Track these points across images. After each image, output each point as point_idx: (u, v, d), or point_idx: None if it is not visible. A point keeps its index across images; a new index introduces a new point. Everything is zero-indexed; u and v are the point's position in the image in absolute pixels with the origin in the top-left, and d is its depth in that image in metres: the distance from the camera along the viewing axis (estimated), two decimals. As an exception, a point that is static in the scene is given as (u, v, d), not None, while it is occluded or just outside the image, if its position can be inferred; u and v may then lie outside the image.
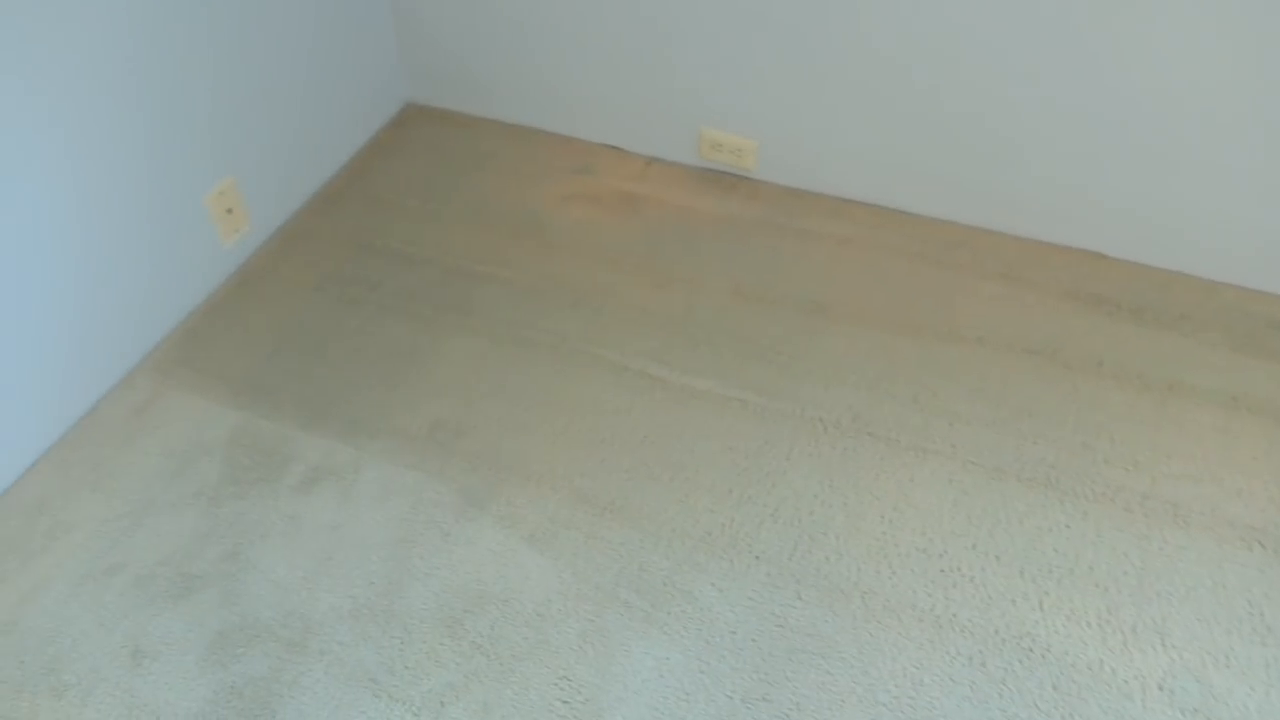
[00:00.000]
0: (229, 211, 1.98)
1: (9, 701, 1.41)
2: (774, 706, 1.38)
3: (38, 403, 1.68)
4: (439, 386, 1.81)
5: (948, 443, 1.70)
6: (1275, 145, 1.75)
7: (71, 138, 1.60)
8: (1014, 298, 1.95)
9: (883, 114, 2.00)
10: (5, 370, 1.60)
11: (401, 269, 2.05)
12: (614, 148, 2.33)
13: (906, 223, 2.12)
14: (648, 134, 2.27)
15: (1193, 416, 1.72)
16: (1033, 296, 1.95)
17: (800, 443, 1.70)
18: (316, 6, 2.07)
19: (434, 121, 2.46)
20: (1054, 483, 1.63)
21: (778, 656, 1.43)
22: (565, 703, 1.39)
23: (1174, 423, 1.71)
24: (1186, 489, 1.62)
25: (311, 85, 2.13)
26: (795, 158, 2.15)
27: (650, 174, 2.27)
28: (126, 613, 1.50)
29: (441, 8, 2.26)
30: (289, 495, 1.65)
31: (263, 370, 1.85)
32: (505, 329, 1.91)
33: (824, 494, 1.63)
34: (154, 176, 1.78)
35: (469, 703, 1.39)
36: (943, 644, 1.44)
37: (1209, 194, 1.85)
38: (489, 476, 1.66)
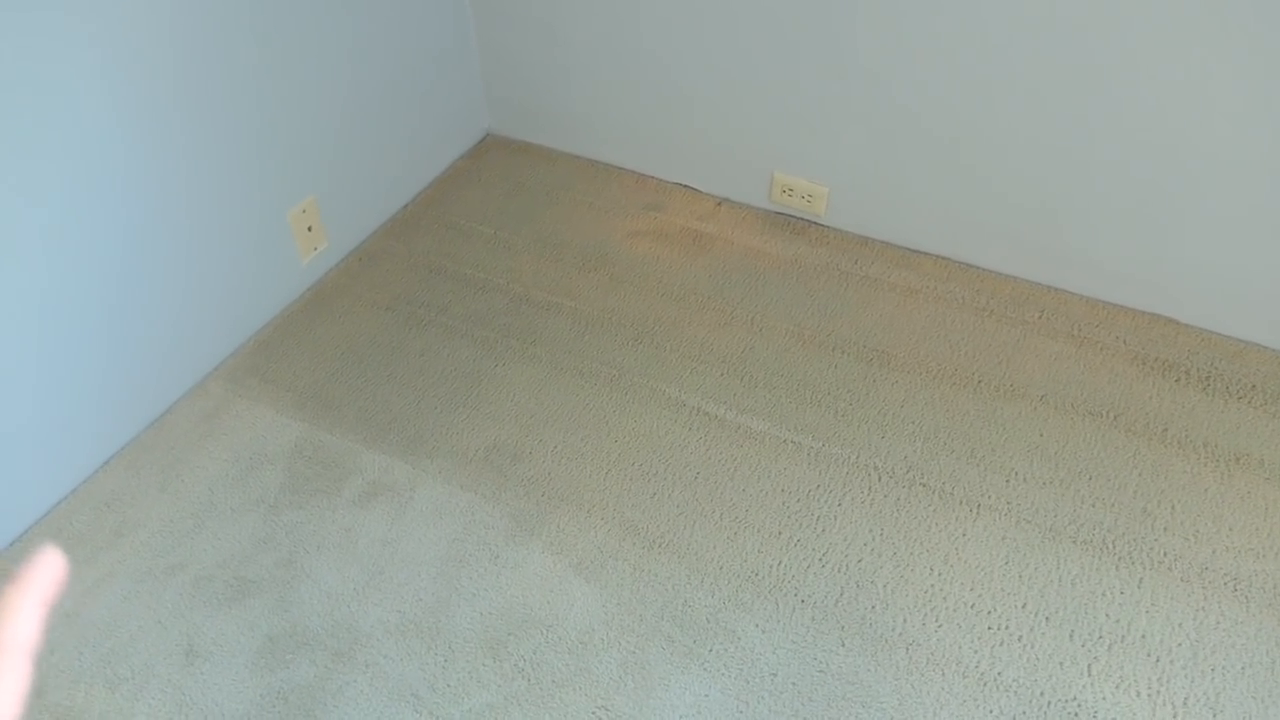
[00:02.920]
0: (309, 229, 2.05)
1: (66, 690, 1.46)
2: (810, 753, 1.37)
3: (115, 404, 1.75)
4: (499, 411, 1.84)
5: (1003, 499, 1.68)
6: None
7: (161, 150, 1.68)
8: (1079, 358, 1.92)
9: (953, 166, 2.01)
10: (84, 373, 1.67)
11: (470, 294, 2.09)
12: (686, 187, 2.36)
13: (973, 276, 2.11)
14: (720, 175, 2.30)
15: (1258, 490, 1.68)
16: (1098, 358, 1.92)
17: (853, 489, 1.70)
18: (405, 36, 2.15)
19: (512, 152, 2.52)
20: (1110, 547, 1.61)
21: (817, 702, 1.42)
22: (602, 732, 1.39)
23: (1238, 495, 1.68)
24: (1248, 563, 1.58)
25: (396, 112, 2.20)
26: (865, 205, 2.16)
27: (720, 214, 2.30)
28: (183, 612, 1.55)
29: (524, 42, 2.32)
30: (346, 508, 1.69)
31: (329, 385, 1.90)
32: (567, 358, 1.94)
33: (874, 542, 1.62)
34: (244, 191, 1.86)
35: (507, 725, 1.40)
36: (985, 702, 1.42)
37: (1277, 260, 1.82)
38: (541, 503, 1.68)
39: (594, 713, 1.41)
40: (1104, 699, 1.42)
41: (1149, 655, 1.47)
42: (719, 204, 2.32)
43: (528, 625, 1.52)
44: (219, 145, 1.78)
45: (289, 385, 1.90)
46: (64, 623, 1.54)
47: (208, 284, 1.86)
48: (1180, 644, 1.48)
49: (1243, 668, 1.45)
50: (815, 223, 2.25)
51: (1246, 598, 1.53)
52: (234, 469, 1.75)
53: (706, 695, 1.43)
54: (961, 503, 1.68)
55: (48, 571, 0.38)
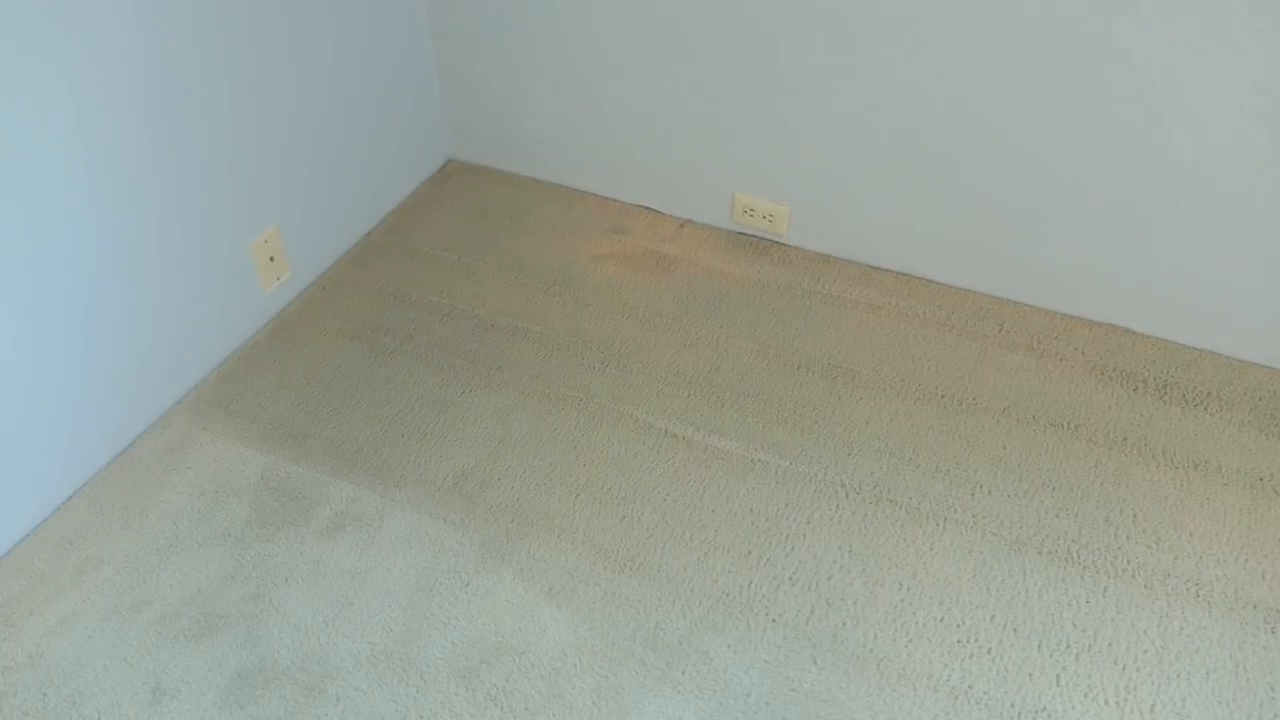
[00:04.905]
0: (271, 259, 2.04)
1: (31, 732, 1.43)
2: (785, 772, 1.38)
3: (76, 439, 1.73)
4: (466, 438, 1.84)
5: (969, 513, 1.70)
6: (1303, 228, 1.76)
7: (123, 184, 1.67)
8: (1039, 370, 1.95)
9: (913, 184, 2.04)
10: (45, 407, 1.65)
11: (435, 321, 2.09)
12: (649, 209, 2.38)
13: (934, 292, 2.14)
14: (682, 197, 2.32)
15: (1217, 496, 1.71)
16: (1058, 370, 1.95)
17: (821, 507, 1.71)
18: (365, 64, 2.15)
19: (474, 178, 2.52)
20: (1075, 557, 1.63)
21: (791, 721, 1.43)
22: (577, 759, 1.39)
23: (1198, 502, 1.71)
24: (1209, 569, 1.61)
25: (357, 140, 2.20)
26: (827, 224, 2.19)
27: (683, 236, 2.31)
28: (149, 650, 1.53)
29: (484, 68, 2.33)
30: (314, 539, 1.67)
31: (294, 415, 1.89)
32: (534, 384, 1.95)
33: (843, 559, 1.63)
34: (205, 224, 1.85)
35: (481, 754, 1.39)
36: (958, 715, 1.43)
37: (1238, 272, 1.86)
38: (511, 529, 1.68)
39: (568, 739, 1.41)
40: (1073, 708, 1.44)
41: (1116, 663, 1.49)
42: (681, 225, 2.34)
43: (500, 653, 1.51)
44: (180, 179, 1.77)
45: (254, 417, 1.89)
46: (27, 664, 1.51)
47: (170, 317, 1.84)
48: (1146, 651, 1.50)
49: (1207, 672, 1.47)
50: (777, 242, 2.27)
51: (1208, 603, 1.56)
52: (199, 503, 1.74)
53: (680, 718, 1.43)
54: (928, 517, 1.69)
55: None
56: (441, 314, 2.11)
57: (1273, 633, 1.52)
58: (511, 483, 1.76)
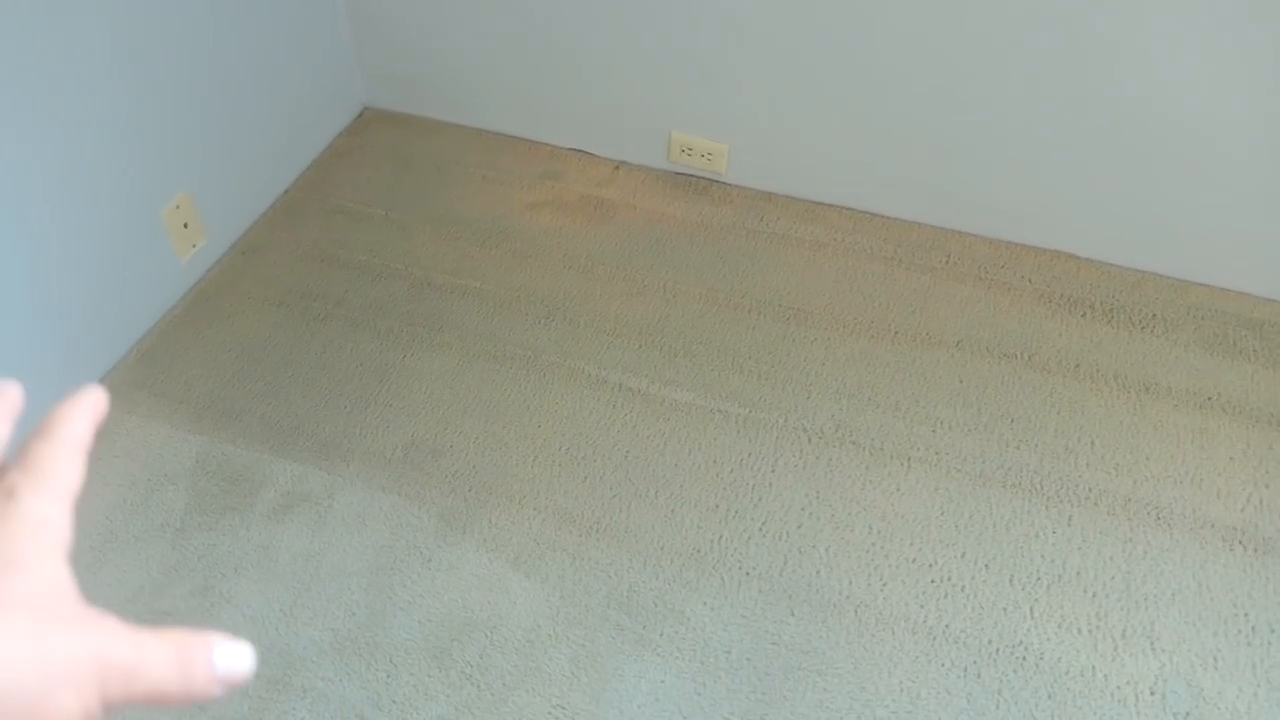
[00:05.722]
0: (185, 226, 1.90)
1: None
2: (772, 727, 1.36)
3: (-11, 434, 1.60)
4: (412, 405, 1.76)
5: (931, 450, 1.69)
6: (1239, 146, 1.77)
7: (17, 153, 1.52)
8: (989, 300, 1.95)
9: (855, 117, 1.99)
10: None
11: (367, 282, 1.99)
12: (582, 152, 2.29)
13: (879, 225, 2.11)
14: (616, 138, 2.23)
15: (1170, 418, 1.74)
16: (1007, 299, 1.95)
17: (785, 454, 1.68)
18: (265, 9, 2.00)
19: (394, 126, 2.39)
20: (1038, 488, 1.64)
21: (774, 675, 1.41)
22: (561, 733, 1.36)
23: (1151, 425, 1.73)
24: (1167, 491, 1.63)
25: (264, 92, 2.05)
26: (767, 161, 2.13)
27: (619, 178, 2.23)
28: (94, 654, 1.43)
29: (399, 6, 2.19)
30: (261, 524, 1.59)
31: (226, 392, 1.78)
32: (478, 343, 1.87)
33: (811, 506, 1.61)
34: (109, 193, 1.71)
35: (461, 736, 1.35)
36: (937, 656, 1.43)
37: (1175, 193, 1.87)
38: (469, 498, 1.62)
39: (550, 713, 1.37)
40: (1048, 639, 1.45)
41: (1085, 592, 1.51)
42: (617, 168, 2.26)
43: (470, 629, 1.46)
44: (77, 146, 1.62)
45: (181, 397, 1.77)
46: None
47: (77, 296, 1.71)
48: (1113, 577, 1.52)
49: (1173, 594, 1.50)
50: (717, 181, 2.21)
51: (1169, 525, 1.58)
52: (132, 493, 1.63)
53: (662, 681, 1.40)
54: (892, 457, 1.68)
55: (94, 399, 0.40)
56: (373, 274, 2.01)
57: (1231, 551, 1.55)
58: (465, 449, 1.69)
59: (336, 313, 1.93)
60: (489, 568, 1.53)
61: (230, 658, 0.35)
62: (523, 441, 1.70)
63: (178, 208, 1.87)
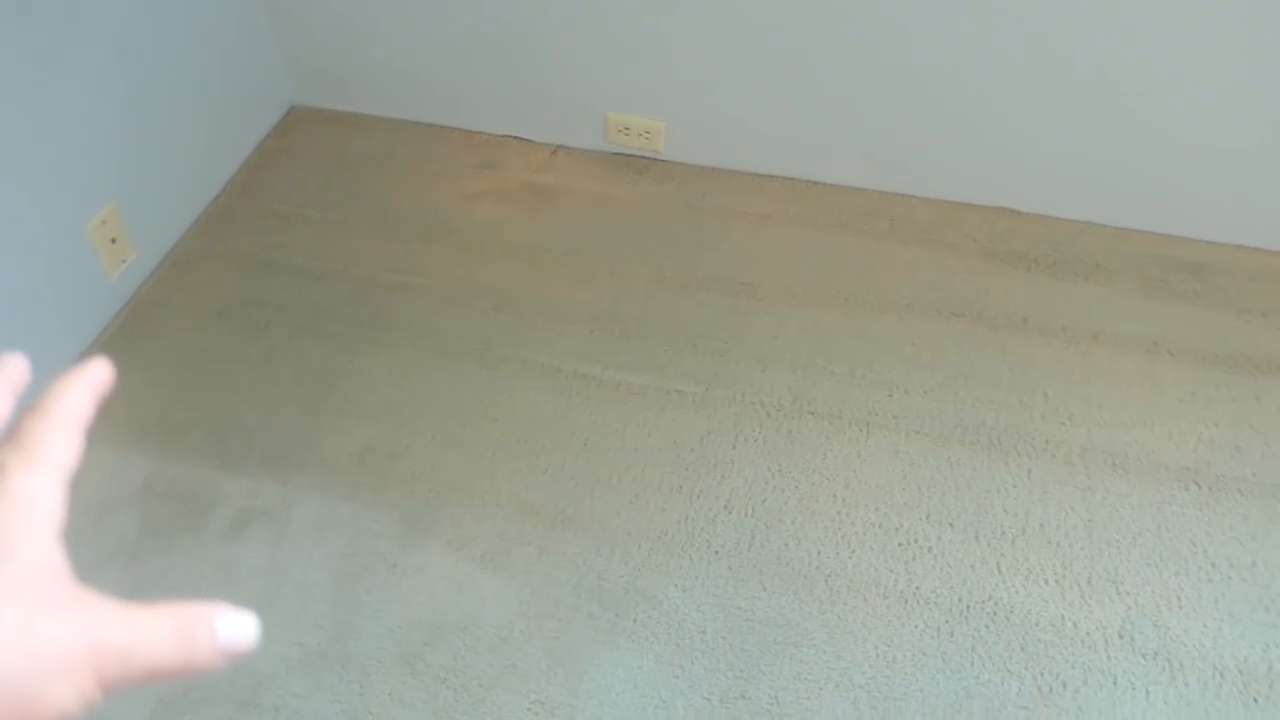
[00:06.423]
0: (113, 241, 1.84)
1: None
2: (753, 703, 1.36)
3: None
4: (364, 409, 1.72)
5: (889, 414, 1.70)
6: (1169, 92, 1.79)
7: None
8: (934, 261, 1.96)
9: (790, 87, 1.98)
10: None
11: (307, 286, 1.94)
12: (517, 138, 2.25)
13: (821, 194, 2.10)
14: (552, 121, 2.20)
15: (1118, 365, 1.76)
16: (952, 258, 1.96)
17: (744, 429, 1.68)
18: (183, 7, 1.93)
19: (323, 123, 2.33)
20: (996, 444, 1.65)
21: (750, 651, 1.41)
22: (541, 728, 1.34)
23: (1101, 373, 1.75)
24: (1121, 437, 1.65)
25: (186, 96, 1.99)
26: (705, 136, 2.11)
27: (557, 163, 2.20)
28: (54, 690, 1.39)
29: (321, 4, 2.13)
30: (217, 543, 1.55)
31: (171, 410, 1.73)
32: (426, 340, 1.83)
33: (774, 479, 1.61)
34: (30, 211, 1.64)
35: (441, 741, 1.33)
36: (910, 619, 1.44)
37: (1109, 143, 1.89)
38: (430, 499, 1.59)
39: (529, 709, 1.36)
40: (1017, 592, 1.47)
41: (1049, 542, 1.52)
42: (554, 152, 2.23)
43: (442, 632, 1.44)
44: (-9, 164, 1.55)
45: (124, 417, 1.72)
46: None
47: (4, 321, 1.64)
48: (1075, 526, 1.54)
49: (1134, 538, 1.53)
50: (656, 159, 2.18)
51: (1125, 470, 1.61)
52: (82, 521, 1.57)
53: (639, 667, 1.40)
54: (851, 424, 1.68)
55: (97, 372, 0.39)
56: (313, 277, 1.96)
57: (1186, 490, 1.58)
58: (422, 450, 1.66)
59: (278, 320, 1.88)
60: (456, 568, 1.51)
61: (233, 627, 0.34)
62: (480, 437, 1.68)
63: (104, 222, 1.81)
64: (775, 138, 2.07)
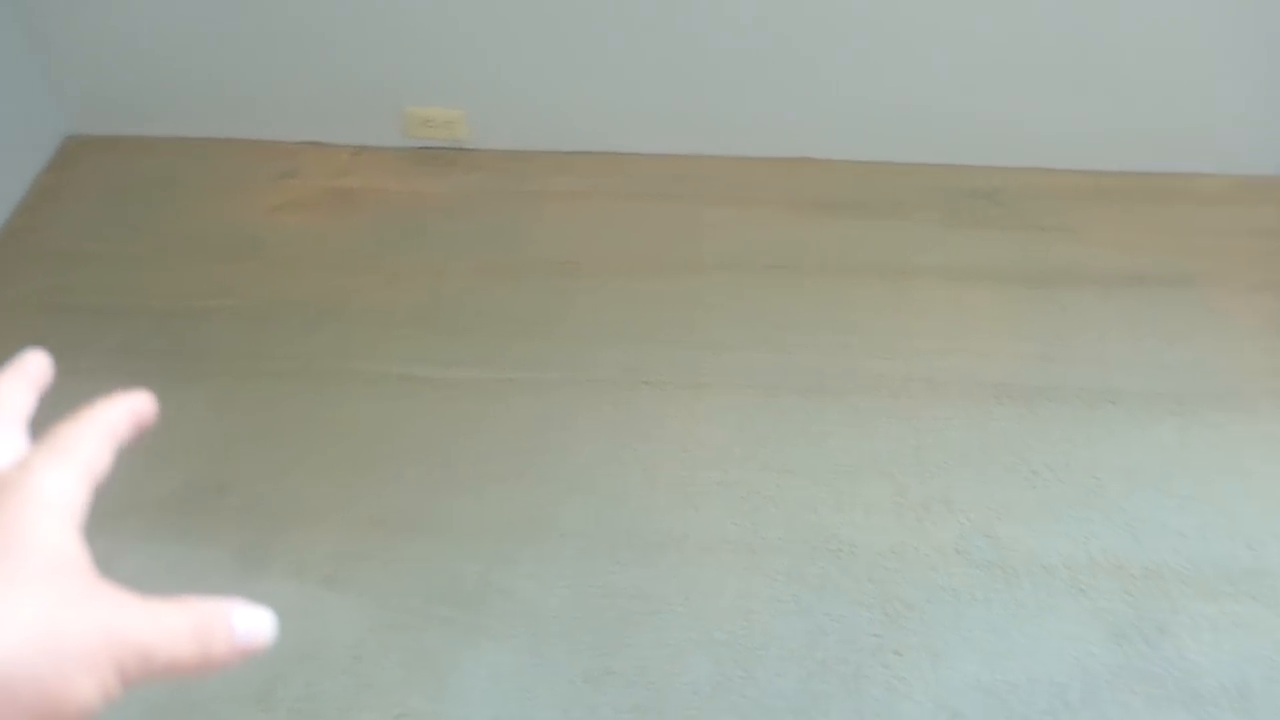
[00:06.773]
0: (-125, 305, 1.69)
1: None
2: (618, 677, 1.37)
3: None
4: (183, 444, 1.64)
5: (719, 373, 1.72)
6: (943, 29, 1.86)
7: None
8: (744, 218, 1.99)
9: (584, 61, 1.97)
10: None
11: (105, 325, 1.83)
12: (315, 143, 2.17)
13: (627, 164, 2.11)
14: (349, 123, 2.13)
15: (929, 295, 1.83)
16: (760, 213, 2.00)
17: (580, 409, 1.67)
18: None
19: (103, 151, 2.19)
20: (823, 387, 1.69)
21: (609, 626, 1.41)
22: (407, 741, 1.31)
23: (913, 305, 1.82)
24: (938, 363, 1.72)
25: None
26: (507, 121, 2.09)
27: (359, 165, 2.14)
28: None
29: (89, 24, 2.00)
30: (36, 608, 1.45)
31: (-33, 476, 1.60)
32: (243, 364, 1.75)
33: (615, 453, 1.61)
34: None
35: (303, 774, 1.28)
36: (760, 568, 1.47)
37: (892, 84, 1.95)
38: (264, 528, 1.53)
39: (392, 724, 1.32)
40: (859, 527, 1.51)
41: (883, 474, 1.58)
42: (355, 154, 2.16)
43: (291, 662, 1.38)
44: None
45: (-87, 493, 1.58)
46: None
47: None
48: (905, 455, 1.60)
49: (960, 457, 1.59)
50: (462, 149, 2.14)
51: (946, 393, 1.68)
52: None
53: (500, 663, 1.38)
54: (683, 388, 1.70)
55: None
56: (110, 315, 1.84)
57: (1002, 405, 1.66)
58: (250, 478, 1.59)
59: (78, 365, 1.74)
60: (300, 594, 1.45)
61: (251, 623, 0.35)
62: (311, 456, 1.62)
63: None
64: (575, 114, 2.06)
